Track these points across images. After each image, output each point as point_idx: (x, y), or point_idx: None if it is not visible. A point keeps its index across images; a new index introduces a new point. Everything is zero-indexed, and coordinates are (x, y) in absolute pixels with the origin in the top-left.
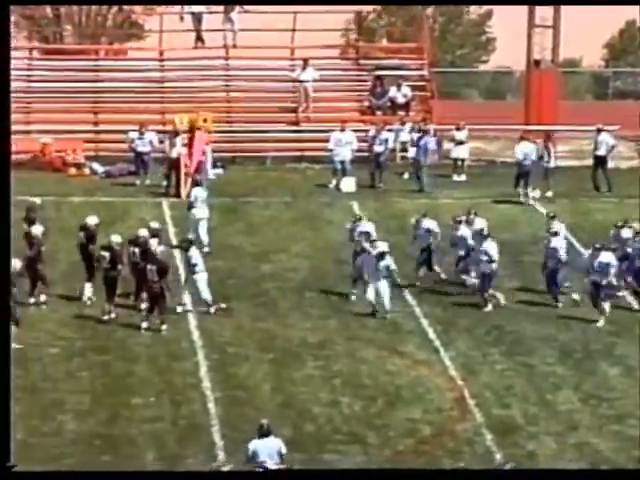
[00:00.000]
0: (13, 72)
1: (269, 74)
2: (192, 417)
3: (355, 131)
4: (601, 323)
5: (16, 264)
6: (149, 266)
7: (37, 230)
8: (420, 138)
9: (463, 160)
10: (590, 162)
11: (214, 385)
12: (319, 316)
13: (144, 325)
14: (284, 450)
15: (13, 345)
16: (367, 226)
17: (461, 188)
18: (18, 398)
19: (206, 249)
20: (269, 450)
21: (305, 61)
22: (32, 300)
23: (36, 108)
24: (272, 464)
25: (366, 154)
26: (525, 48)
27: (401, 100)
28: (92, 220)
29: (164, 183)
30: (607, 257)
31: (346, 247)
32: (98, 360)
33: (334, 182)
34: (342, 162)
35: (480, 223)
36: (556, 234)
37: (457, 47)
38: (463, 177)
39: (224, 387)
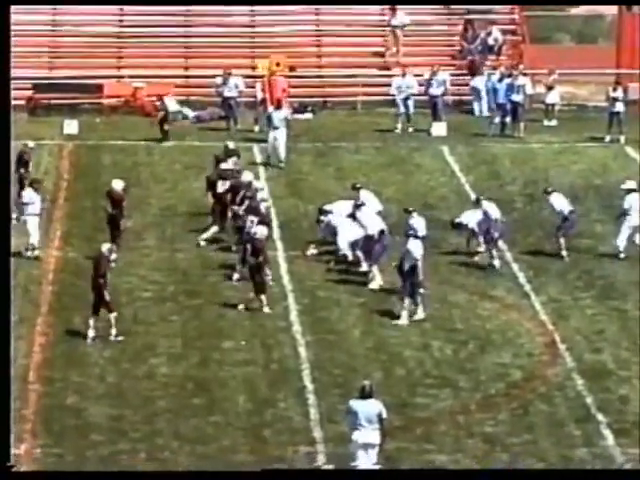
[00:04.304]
0: (105, 17)
1: (359, 19)
2: (283, 361)
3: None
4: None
5: (263, 231)
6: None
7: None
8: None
9: (554, 105)
10: None
11: (305, 329)
12: None
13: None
14: (385, 414)
15: None
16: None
17: (552, 132)
18: (110, 342)
19: (282, 164)
20: (368, 412)
21: (395, 6)
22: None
23: (127, 53)
24: (371, 429)
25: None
26: None
27: (492, 44)
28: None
29: (223, 124)
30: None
31: (436, 191)
32: (189, 304)
33: (399, 127)
34: (407, 107)
35: None
36: None
37: None
38: (554, 122)
39: (315, 331)
